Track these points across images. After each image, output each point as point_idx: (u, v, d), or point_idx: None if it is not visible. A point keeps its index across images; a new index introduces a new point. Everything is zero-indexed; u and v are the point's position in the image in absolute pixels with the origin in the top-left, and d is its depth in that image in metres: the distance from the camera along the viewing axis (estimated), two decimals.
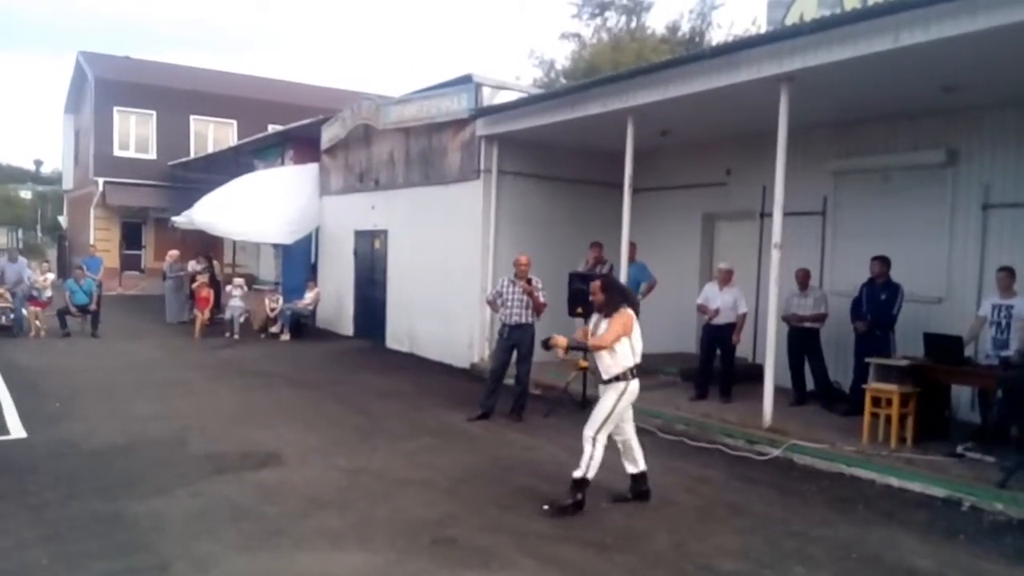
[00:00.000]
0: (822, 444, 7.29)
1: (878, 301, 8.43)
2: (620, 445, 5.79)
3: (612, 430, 5.65)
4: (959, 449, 6.96)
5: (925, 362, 7.61)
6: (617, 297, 5.66)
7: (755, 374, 9.01)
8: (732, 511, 5.86)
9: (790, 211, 8.21)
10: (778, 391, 8.00)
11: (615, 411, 5.52)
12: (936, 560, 5.03)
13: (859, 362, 8.39)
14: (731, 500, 6.12)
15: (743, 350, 10.00)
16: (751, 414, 8.13)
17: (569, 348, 5.80)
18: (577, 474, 5.53)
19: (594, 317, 5.76)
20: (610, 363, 5.50)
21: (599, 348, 5.49)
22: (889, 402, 7.34)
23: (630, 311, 5.57)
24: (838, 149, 9.98)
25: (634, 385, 5.59)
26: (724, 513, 5.81)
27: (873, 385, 7.54)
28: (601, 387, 5.61)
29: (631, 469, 5.84)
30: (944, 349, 7.54)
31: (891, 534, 5.48)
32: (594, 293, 5.70)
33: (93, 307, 14.86)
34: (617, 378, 5.50)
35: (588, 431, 5.55)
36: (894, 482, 6.54)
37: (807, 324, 9.07)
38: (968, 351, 7.75)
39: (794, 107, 7.68)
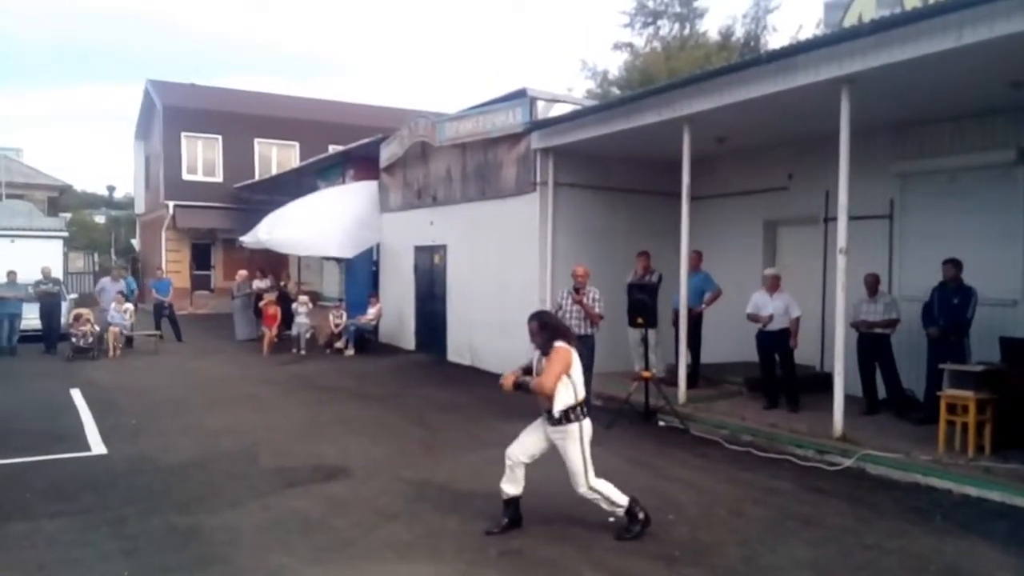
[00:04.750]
0: (896, 453, 7.10)
1: (951, 305, 8.17)
2: (510, 468, 5.52)
3: (519, 455, 5.48)
4: None
5: (1002, 367, 7.34)
6: (550, 335, 5.43)
7: (824, 382, 8.81)
8: (803, 523, 5.75)
9: (855, 215, 8.04)
10: (849, 400, 7.82)
11: (586, 455, 5.34)
12: (1018, 573, 4.85)
13: (932, 368, 8.14)
14: (802, 511, 6.00)
15: (811, 358, 9.78)
16: (821, 423, 7.97)
17: (516, 386, 5.44)
18: (619, 509, 5.40)
19: (536, 354, 5.55)
20: (554, 400, 5.28)
21: (543, 392, 5.28)
22: (965, 409, 7.11)
23: (567, 347, 5.36)
24: (903, 151, 9.73)
25: (587, 424, 5.38)
26: (795, 525, 5.70)
27: (948, 392, 7.31)
28: (553, 434, 5.38)
29: (513, 492, 5.53)
30: (1022, 353, 7.27)
31: (970, 545, 5.30)
32: (532, 333, 5.52)
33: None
34: (569, 419, 5.29)
35: (581, 489, 5.36)
36: (972, 492, 6.33)
37: (878, 330, 8.83)
38: None
39: (855, 109, 7.54)
